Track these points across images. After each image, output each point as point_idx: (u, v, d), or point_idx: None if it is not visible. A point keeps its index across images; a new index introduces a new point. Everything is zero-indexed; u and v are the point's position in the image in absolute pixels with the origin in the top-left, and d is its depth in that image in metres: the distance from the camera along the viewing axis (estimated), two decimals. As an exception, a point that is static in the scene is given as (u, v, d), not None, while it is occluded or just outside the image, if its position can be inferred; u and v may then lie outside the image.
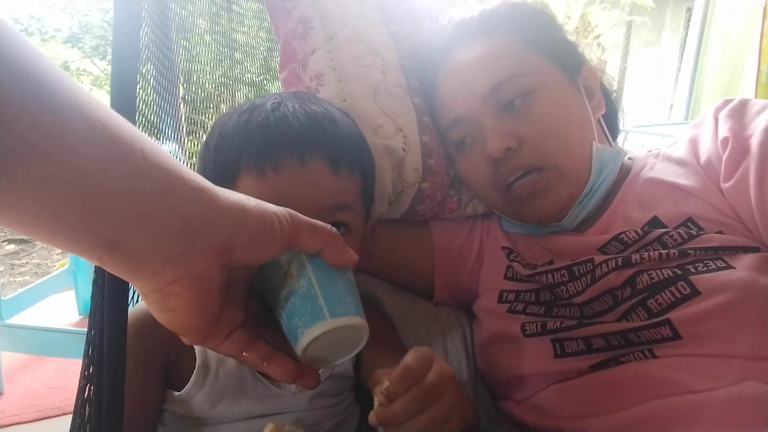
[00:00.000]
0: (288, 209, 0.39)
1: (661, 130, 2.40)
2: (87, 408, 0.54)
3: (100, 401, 0.44)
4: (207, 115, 1.74)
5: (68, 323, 2.07)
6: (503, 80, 0.68)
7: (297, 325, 0.40)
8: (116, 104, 0.46)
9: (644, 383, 0.52)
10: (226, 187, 0.55)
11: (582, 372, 0.58)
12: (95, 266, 0.57)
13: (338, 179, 0.57)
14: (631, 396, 0.52)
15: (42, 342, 1.69)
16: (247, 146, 0.55)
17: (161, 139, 1.46)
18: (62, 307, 2.11)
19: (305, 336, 0.40)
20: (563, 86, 0.71)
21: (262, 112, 0.57)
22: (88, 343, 0.60)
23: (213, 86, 1.80)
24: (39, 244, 3.51)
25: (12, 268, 3.09)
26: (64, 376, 1.76)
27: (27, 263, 3.21)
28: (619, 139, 0.85)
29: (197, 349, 0.57)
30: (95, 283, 0.59)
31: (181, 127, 1.54)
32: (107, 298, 0.45)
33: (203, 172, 0.61)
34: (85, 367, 0.56)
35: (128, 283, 0.46)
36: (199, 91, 1.72)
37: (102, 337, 0.46)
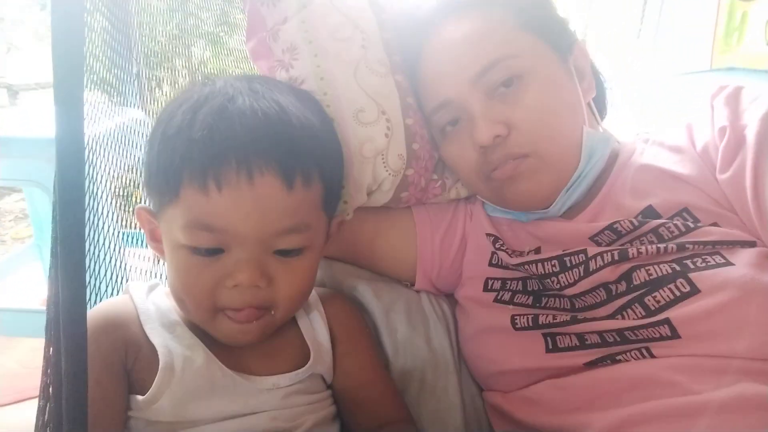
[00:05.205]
0: None
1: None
2: (46, 415, 0.50)
3: (60, 407, 0.41)
4: (162, 69, 1.64)
5: (39, 299, 2.04)
6: (493, 62, 0.63)
7: None
8: (59, 58, 0.39)
9: (643, 383, 0.51)
10: (169, 199, 0.50)
11: (576, 369, 0.56)
12: (51, 256, 0.51)
13: (293, 195, 0.50)
14: (630, 395, 0.51)
15: (14, 323, 1.64)
16: (189, 155, 0.49)
17: (121, 100, 1.34)
18: (31, 281, 2.05)
19: None
20: (555, 69, 0.66)
21: (209, 113, 0.50)
22: (47, 344, 0.56)
23: (166, 38, 1.67)
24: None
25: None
26: (40, 356, 1.72)
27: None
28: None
29: (160, 349, 0.52)
30: (51, 277, 0.53)
31: (142, 86, 1.43)
32: (63, 296, 0.40)
33: (147, 175, 0.54)
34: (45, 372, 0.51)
35: (85, 276, 0.41)
36: (152, 44, 1.61)
37: (59, 338, 0.41)
